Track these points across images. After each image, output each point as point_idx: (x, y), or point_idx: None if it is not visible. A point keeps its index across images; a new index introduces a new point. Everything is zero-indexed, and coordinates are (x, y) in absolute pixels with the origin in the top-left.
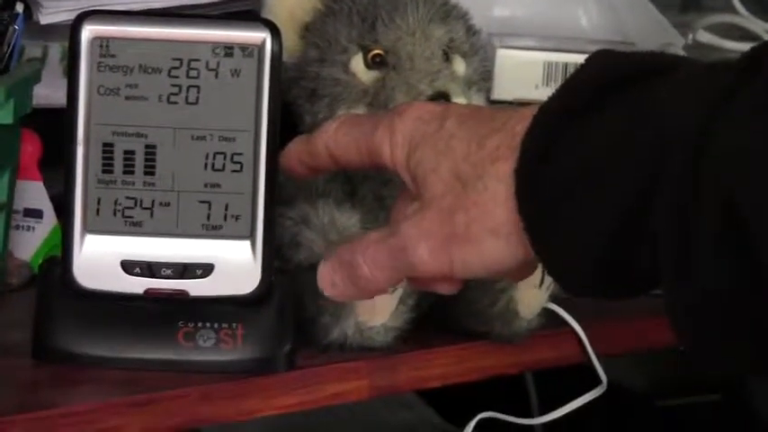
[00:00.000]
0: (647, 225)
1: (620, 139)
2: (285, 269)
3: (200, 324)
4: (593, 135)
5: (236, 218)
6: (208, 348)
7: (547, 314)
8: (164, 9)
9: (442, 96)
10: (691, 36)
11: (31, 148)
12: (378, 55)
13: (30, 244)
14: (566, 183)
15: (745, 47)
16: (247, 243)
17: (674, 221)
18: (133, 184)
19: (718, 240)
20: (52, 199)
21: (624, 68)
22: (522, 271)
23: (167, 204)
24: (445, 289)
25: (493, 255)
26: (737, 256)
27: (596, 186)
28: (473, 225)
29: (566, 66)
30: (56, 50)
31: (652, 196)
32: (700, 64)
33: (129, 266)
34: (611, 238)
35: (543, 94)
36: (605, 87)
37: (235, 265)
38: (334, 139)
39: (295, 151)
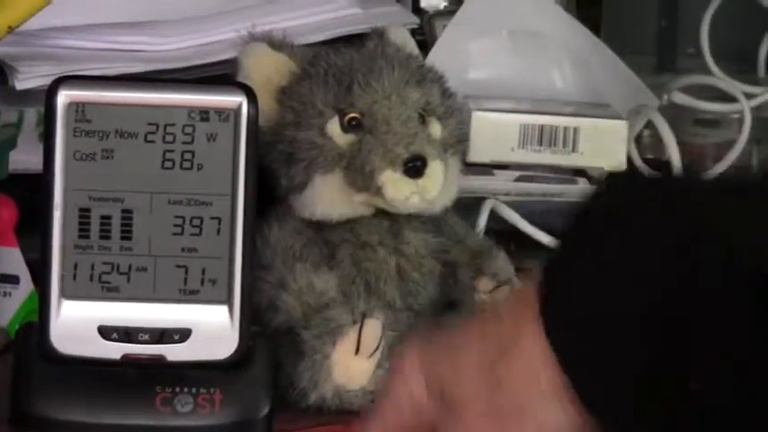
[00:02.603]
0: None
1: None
2: (263, 333)
3: (177, 389)
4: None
5: (214, 282)
6: (186, 413)
7: None
8: (139, 74)
9: (418, 159)
10: (666, 97)
11: (6, 213)
12: (354, 118)
13: (6, 310)
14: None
15: (719, 107)
16: (225, 308)
17: None
18: (110, 249)
19: None
20: (29, 264)
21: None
22: None
23: (144, 269)
24: None
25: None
26: None
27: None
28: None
29: (541, 127)
30: (31, 115)
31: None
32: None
33: (106, 332)
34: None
35: (519, 156)
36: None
37: (212, 329)
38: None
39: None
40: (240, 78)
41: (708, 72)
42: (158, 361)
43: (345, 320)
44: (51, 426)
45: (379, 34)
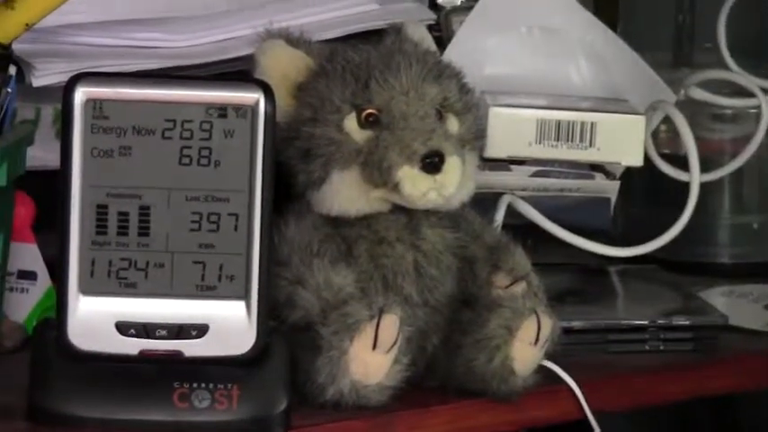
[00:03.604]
0: None
1: None
2: (280, 329)
3: (195, 385)
4: None
5: (231, 278)
6: (203, 409)
7: (543, 372)
8: (157, 70)
9: (436, 155)
10: (683, 92)
11: (24, 210)
12: (371, 114)
13: (24, 306)
14: None
15: (736, 102)
16: (242, 303)
17: None
18: (127, 245)
19: None
20: (46, 261)
21: None
22: None
23: (161, 265)
24: None
25: None
26: None
27: None
28: None
29: (558, 123)
30: (48, 112)
31: None
32: None
33: (123, 328)
34: None
35: (536, 151)
36: None
37: (230, 325)
38: None
39: None
40: (257, 75)
41: (725, 67)
42: (176, 357)
43: (363, 316)
44: (68, 422)
45: (397, 30)
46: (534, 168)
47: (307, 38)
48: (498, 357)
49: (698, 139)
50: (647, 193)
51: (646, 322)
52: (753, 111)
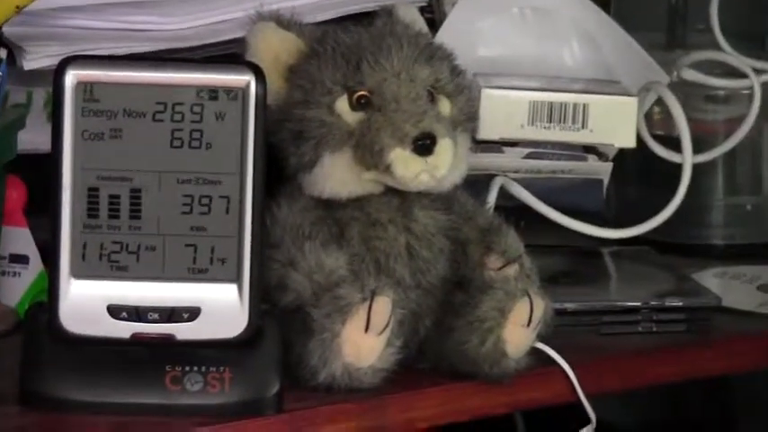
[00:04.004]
0: None
1: None
2: (272, 311)
3: (187, 368)
4: None
5: (223, 261)
6: (196, 392)
7: (535, 353)
8: (149, 53)
9: (427, 137)
10: (675, 73)
11: (15, 193)
12: (363, 96)
13: (16, 290)
14: None
15: (729, 83)
16: (234, 286)
17: None
18: (119, 228)
19: None
20: (38, 244)
21: None
22: None
23: (153, 248)
24: None
25: None
26: None
27: None
28: None
29: (551, 104)
30: (40, 96)
31: None
32: None
33: (115, 311)
34: None
35: (529, 133)
36: None
37: (222, 308)
38: None
39: None
40: (248, 57)
41: (718, 48)
42: (168, 340)
43: (355, 299)
44: (60, 405)
45: (388, 12)
46: (527, 150)
47: (298, 20)
48: (491, 339)
49: (691, 121)
50: (639, 174)
51: (638, 304)
52: (745, 92)
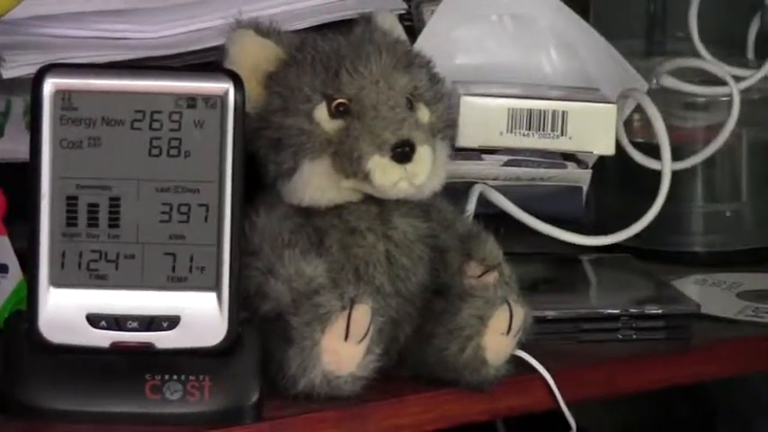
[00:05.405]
0: None
1: None
2: (252, 320)
3: (167, 377)
4: None
5: (202, 269)
6: (175, 401)
7: (515, 361)
8: (126, 61)
9: (406, 144)
10: (655, 81)
11: None
12: (341, 104)
13: None
14: None
15: (708, 91)
16: (213, 295)
17: None
18: (98, 237)
19: None
20: (17, 253)
21: None
22: None
23: (132, 257)
24: None
25: None
26: None
27: None
28: None
29: (530, 112)
30: (19, 104)
31: None
32: None
33: (94, 320)
34: None
35: (508, 140)
36: None
37: (201, 316)
38: None
39: None
40: (227, 65)
41: (697, 55)
42: (147, 348)
43: (334, 306)
44: (40, 414)
45: (367, 20)
46: (506, 157)
47: (276, 28)
48: (470, 347)
49: (670, 128)
50: (619, 181)
51: (618, 311)
52: (725, 99)
